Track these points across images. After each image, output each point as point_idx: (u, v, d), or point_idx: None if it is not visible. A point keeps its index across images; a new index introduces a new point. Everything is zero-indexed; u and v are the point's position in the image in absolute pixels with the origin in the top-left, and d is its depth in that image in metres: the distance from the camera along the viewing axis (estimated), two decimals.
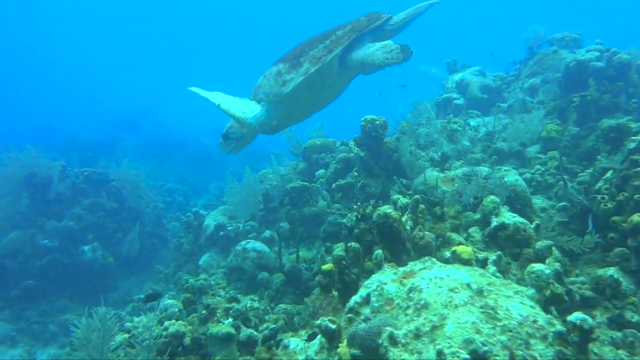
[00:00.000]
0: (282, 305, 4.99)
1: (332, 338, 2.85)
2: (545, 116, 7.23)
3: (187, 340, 4.10)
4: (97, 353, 3.06)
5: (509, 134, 7.19)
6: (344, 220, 4.56)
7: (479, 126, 7.96)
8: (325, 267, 3.86)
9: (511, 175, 5.27)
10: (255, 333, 4.15)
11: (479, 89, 9.87)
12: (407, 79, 12.90)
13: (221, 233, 8.03)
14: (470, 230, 4.43)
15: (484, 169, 5.28)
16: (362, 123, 6.95)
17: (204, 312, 4.06)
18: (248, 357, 3.79)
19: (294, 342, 3.40)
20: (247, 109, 4.94)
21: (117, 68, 49.22)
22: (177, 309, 4.50)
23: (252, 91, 5.21)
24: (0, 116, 32.61)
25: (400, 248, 3.88)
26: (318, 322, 2.91)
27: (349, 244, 3.85)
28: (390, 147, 6.93)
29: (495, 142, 7.13)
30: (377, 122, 6.89)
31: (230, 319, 4.23)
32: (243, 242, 6.95)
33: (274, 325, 3.91)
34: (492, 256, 3.74)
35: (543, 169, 6.35)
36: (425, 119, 6.81)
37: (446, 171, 5.59)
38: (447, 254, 3.83)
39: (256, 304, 4.81)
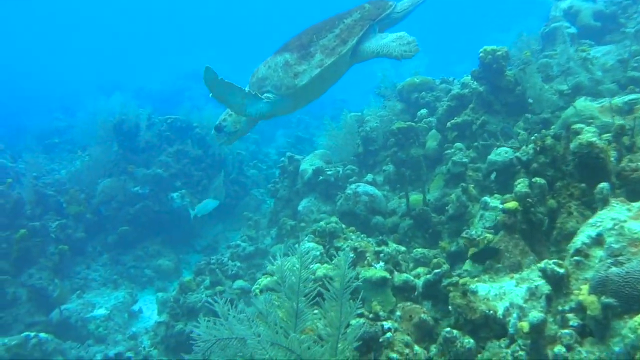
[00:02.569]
0: (419, 250, 4.67)
1: (559, 283, 2.49)
2: None
3: (336, 284, 3.82)
4: (293, 293, 2.82)
5: None
6: (518, 154, 4.12)
7: (601, 56, 7.15)
8: (508, 205, 3.46)
9: None
10: (412, 278, 3.85)
11: (591, 16, 8.90)
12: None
13: (320, 177, 7.74)
14: None
15: None
16: (481, 54, 6.34)
17: (351, 255, 3.76)
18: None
19: (483, 287, 3.08)
20: (247, 101, 4.56)
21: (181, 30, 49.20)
22: (318, 252, 4.25)
23: (251, 81, 4.83)
24: (74, 68, 33.62)
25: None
26: (541, 265, 2.54)
27: (533, 180, 3.42)
28: (510, 80, 6.32)
29: (630, 71, 6.35)
30: (499, 53, 6.26)
31: (382, 263, 3.95)
32: (353, 186, 6.64)
33: (439, 270, 3.59)
34: None
35: None
36: (559, 46, 6.10)
37: (600, 100, 4.97)
38: None
39: (403, 248, 4.51)
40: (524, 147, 4.16)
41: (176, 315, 6.93)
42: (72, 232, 9.85)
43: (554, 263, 2.52)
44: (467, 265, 4.22)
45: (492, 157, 4.83)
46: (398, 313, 3.55)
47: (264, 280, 4.13)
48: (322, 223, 4.78)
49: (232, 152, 11.84)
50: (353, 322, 2.94)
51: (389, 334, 2.99)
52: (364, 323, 3.05)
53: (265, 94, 4.65)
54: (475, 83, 6.50)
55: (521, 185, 3.54)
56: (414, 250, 4.68)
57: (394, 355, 2.81)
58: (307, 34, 4.66)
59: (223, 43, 43.70)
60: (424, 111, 7.65)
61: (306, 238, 4.65)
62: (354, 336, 2.72)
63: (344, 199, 6.58)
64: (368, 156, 7.97)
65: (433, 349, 3.13)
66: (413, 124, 7.21)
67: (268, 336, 2.55)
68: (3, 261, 8.45)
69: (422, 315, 3.43)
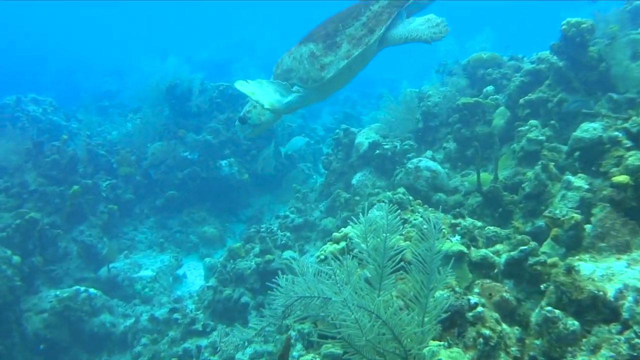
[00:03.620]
0: (492, 228, 4.38)
1: None
2: None
3: (407, 255, 3.58)
4: (378, 255, 2.62)
5: None
6: (627, 125, 3.76)
7: None
8: (619, 178, 3.15)
9: None
10: (491, 254, 3.58)
11: None
12: None
13: (377, 151, 7.48)
14: None
15: None
16: (564, 27, 5.89)
17: (425, 226, 3.50)
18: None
19: (586, 266, 2.79)
20: (278, 96, 4.39)
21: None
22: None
23: (276, 73, 4.57)
24: (123, 34, 34.10)
25: None
26: None
27: None
28: (593, 56, 5.85)
29: None
30: (583, 25, 5.81)
31: (458, 237, 3.69)
32: (415, 160, 6.36)
33: (525, 247, 3.31)
34: None
35: None
36: None
37: None
38: None
39: (479, 223, 4.24)
40: (634, 117, 3.78)
41: (224, 280, 6.86)
42: (122, 192, 9.93)
43: None
44: (546, 247, 3.92)
45: (578, 133, 4.45)
46: (476, 290, 3.29)
47: (329, 247, 3.94)
48: (388, 193, 4.54)
49: (282, 125, 11.68)
50: (436, 293, 2.70)
51: (480, 308, 2.75)
52: (448, 296, 2.81)
53: (294, 88, 4.47)
54: (554, 57, 6.06)
55: (633, 158, 3.20)
56: (486, 228, 4.39)
57: (487, 331, 2.57)
58: (333, 22, 4.46)
59: (268, 11, 43.27)
60: (490, 88, 7.25)
61: (375, 207, 4.41)
62: (441, 307, 2.49)
63: (405, 173, 6.31)
64: (428, 132, 7.65)
65: (516, 330, 2.88)
66: (480, 100, 6.83)
67: (354, 298, 2.35)
68: (56, 216, 8.58)
69: (504, 294, 3.16)
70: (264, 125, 4.66)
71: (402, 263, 2.64)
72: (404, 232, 3.82)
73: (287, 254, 7.27)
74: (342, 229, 4.08)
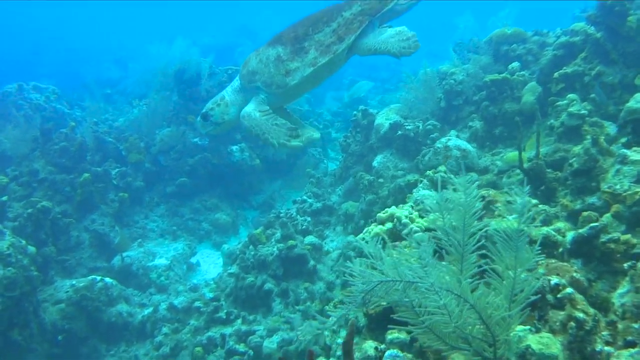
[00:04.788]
0: (541, 206, 4.17)
1: None
2: None
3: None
4: (459, 233, 2.40)
5: None
6: None
7: None
8: None
9: None
10: (553, 233, 3.37)
11: None
12: None
13: (399, 132, 7.24)
14: None
15: None
16: None
17: (478, 203, 3.28)
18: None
19: None
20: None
21: None
22: (434, 201, 3.79)
23: (242, 73, 4.49)
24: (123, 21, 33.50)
25: None
26: None
27: None
28: (632, 27, 5.60)
29: None
30: None
31: (515, 215, 3.47)
32: (443, 139, 6.13)
33: (596, 224, 3.09)
34: None
35: None
36: None
37: None
38: None
39: (535, 200, 4.02)
40: None
41: (246, 267, 6.65)
42: (132, 180, 9.67)
43: None
44: None
45: (632, 104, 4.22)
46: (541, 271, 3.08)
47: (375, 229, 3.71)
48: (429, 172, 4.30)
49: (292, 109, 11.39)
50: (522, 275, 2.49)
51: (569, 289, 2.54)
52: (527, 277, 2.60)
53: (259, 95, 4.41)
54: (591, 28, 5.81)
55: None
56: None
57: (580, 314, 2.36)
58: (303, 26, 4.32)
59: None
60: (516, 64, 6.98)
61: (420, 185, 4.20)
62: (530, 289, 2.28)
63: (433, 153, 6.08)
64: (450, 111, 7.40)
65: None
66: (508, 76, 6.58)
67: (442, 282, 2.13)
68: (67, 204, 8.33)
69: (574, 274, 2.95)
70: (226, 124, 4.57)
71: (482, 241, 2.42)
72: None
73: (309, 239, 7.07)
74: (387, 209, 3.86)
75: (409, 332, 2.65)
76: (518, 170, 5.26)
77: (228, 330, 6.25)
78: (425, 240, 2.35)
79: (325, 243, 7.43)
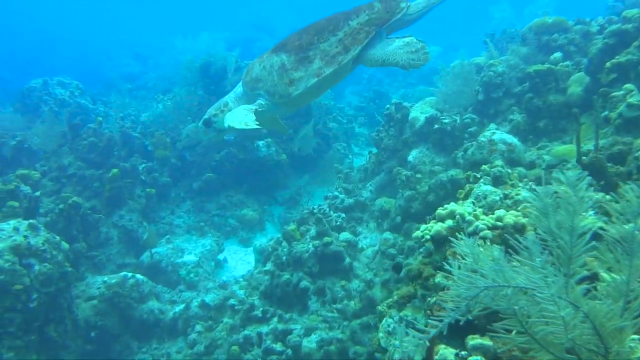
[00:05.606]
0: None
1: None
2: None
3: (530, 235, 3.16)
4: (566, 233, 2.19)
5: None
6: None
7: None
8: None
9: None
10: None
11: None
12: None
13: (435, 126, 7.03)
14: None
15: None
16: None
17: (549, 200, 3.08)
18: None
19: None
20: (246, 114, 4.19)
21: None
22: (498, 197, 3.61)
23: (245, 80, 4.33)
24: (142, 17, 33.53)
25: None
26: None
27: None
28: None
29: None
30: None
31: (592, 212, 3.27)
32: (487, 133, 5.91)
33: None
34: None
35: None
36: None
37: None
38: None
39: (607, 197, 3.82)
40: None
41: (281, 264, 6.50)
42: (158, 175, 9.59)
43: None
44: None
45: None
46: None
47: (435, 226, 3.52)
48: (485, 167, 4.10)
49: (318, 104, 11.23)
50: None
51: None
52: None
53: (257, 101, 4.26)
54: None
55: None
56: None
57: None
58: (309, 34, 4.15)
59: None
60: (558, 54, 6.74)
61: (481, 180, 4.00)
62: None
63: (477, 147, 5.86)
64: (489, 104, 7.16)
65: None
66: (553, 66, 6.35)
67: (559, 291, 1.93)
68: (95, 200, 8.26)
69: None
70: (229, 131, 4.37)
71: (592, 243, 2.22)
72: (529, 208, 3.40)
73: (344, 236, 6.90)
74: (446, 205, 3.66)
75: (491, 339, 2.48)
76: (570, 165, 5.05)
77: (264, 328, 6.10)
78: (533, 243, 2.15)
79: (359, 240, 7.26)
